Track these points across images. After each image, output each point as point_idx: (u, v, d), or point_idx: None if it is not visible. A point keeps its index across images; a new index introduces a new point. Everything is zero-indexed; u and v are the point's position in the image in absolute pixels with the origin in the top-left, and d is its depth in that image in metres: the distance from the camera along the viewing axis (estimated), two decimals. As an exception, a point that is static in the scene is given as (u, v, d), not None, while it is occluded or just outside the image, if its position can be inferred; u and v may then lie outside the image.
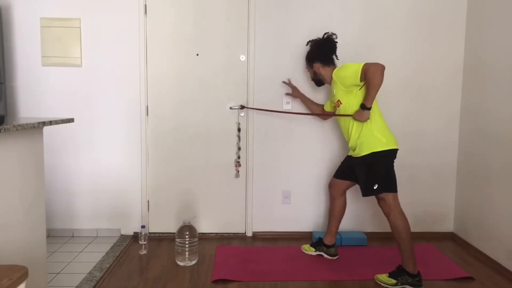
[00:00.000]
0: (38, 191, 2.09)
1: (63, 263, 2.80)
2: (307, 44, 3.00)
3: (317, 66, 2.87)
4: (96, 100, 3.27)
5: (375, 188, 2.56)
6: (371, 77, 2.47)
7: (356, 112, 2.60)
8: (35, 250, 2.06)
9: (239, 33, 3.26)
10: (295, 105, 3.29)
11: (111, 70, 3.25)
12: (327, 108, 3.05)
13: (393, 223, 2.52)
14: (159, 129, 3.31)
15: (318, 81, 2.96)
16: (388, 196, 2.54)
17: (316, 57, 2.88)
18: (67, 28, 3.21)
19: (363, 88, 2.61)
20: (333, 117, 3.18)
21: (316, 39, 2.96)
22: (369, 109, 2.53)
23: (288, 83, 3.25)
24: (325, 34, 2.93)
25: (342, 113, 2.74)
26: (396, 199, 2.55)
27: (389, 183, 2.56)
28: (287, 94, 3.27)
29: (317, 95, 3.26)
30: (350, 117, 2.68)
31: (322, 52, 2.88)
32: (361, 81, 2.56)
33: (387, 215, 2.56)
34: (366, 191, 2.62)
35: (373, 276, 2.59)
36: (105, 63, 3.24)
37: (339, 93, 2.71)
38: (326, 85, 3.02)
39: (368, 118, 2.56)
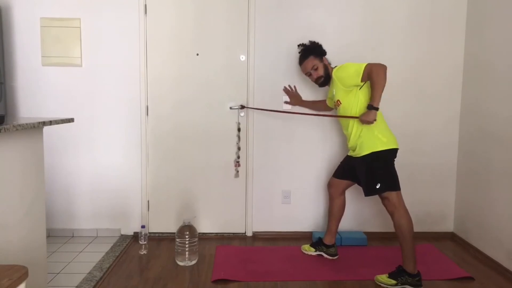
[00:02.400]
0: (38, 191, 2.09)
1: (63, 263, 2.80)
2: (299, 46, 2.97)
3: (325, 59, 2.85)
4: (96, 100, 3.27)
5: (377, 187, 2.55)
6: (375, 77, 2.47)
7: (363, 114, 2.54)
8: (35, 250, 2.06)
9: (239, 33, 3.26)
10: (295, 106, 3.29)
11: (111, 70, 3.25)
12: (329, 103, 3.03)
13: (398, 222, 2.51)
14: (159, 129, 3.31)
15: (327, 77, 2.82)
16: (391, 194, 2.53)
17: (322, 52, 2.86)
18: (67, 28, 3.21)
19: (363, 88, 2.61)
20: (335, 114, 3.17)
21: (310, 42, 2.94)
22: (377, 109, 2.49)
23: (290, 91, 3.22)
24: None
25: (342, 112, 2.73)
26: (400, 197, 2.55)
27: (391, 182, 2.56)
28: (286, 102, 3.26)
29: (314, 96, 3.26)
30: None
31: (322, 49, 2.89)
32: (362, 81, 2.56)
33: (391, 214, 2.55)
34: (369, 191, 2.62)
35: (373, 276, 2.59)
36: (105, 63, 3.24)
37: (339, 93, 2.71)
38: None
39: (375, 120, 2.50)
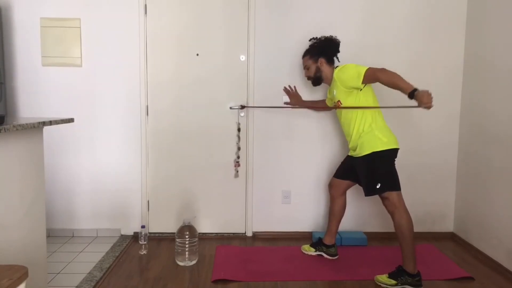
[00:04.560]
0: (38, 191, 2.09)
1: (63, 263, 2.80)
2: (310, 40, 2.95)
3: (322, 61, 2.81)
4: (96, 100, 3.27)
5: (378, 187, 2.55)
6: (386, 78, 2.41)
7: (418, 103, 2.25)
8: (35, 250, 2.06)
9: (239, 33, 3.26)
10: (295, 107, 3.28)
11: (111, 70, 3.25)
12: (329, 103, 3.03)
13: (398, 222, 2.51)
14: (159, 128, 3.31)
15: (318, 79, 2.85)
16: (392, 194, 2.53)
17: (322, 52, 2.83)
18: (67, 28, 3.21)
19: (363, 90, 2.60)
20: (335, 117, 3.17)
21: (322, 36, 2.91)
22: (415, 91, 2.25)
23: (290, 91, 3.21)
24: (330, 36, 2.90)
25: (343, 113, 2.72)
26: (400, 197, 2.55)
27: (392, 182, 2.55)
28: (286, 103, 3.26)
29: (314, 96, 3.26)
30: (350, 117, 2.67)
31: (329, 49, 2.85)
32: (362, 83, 2.55)
33: (391, 214, 2.55)
34: (369, 191, 2.62)
35: (373, 276, 2.59)
36: (105, 63, 3.24)
37: (340, 93, 2.71)
38: (323, 85, 3.01)
39: (429, 94, 2.22)
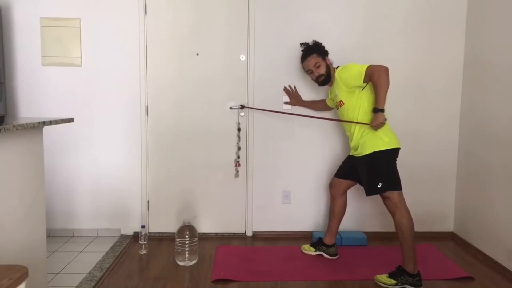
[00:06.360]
0: (38, 191, 2.09)
1: (63, 263, 2.80)
2: (301, 44, 2.94)
3: (328, 59, 2.85)
4: (96, 100, 3.27)
5: (379, 186, 2.55)
6: (377, 79, 2.48)
7: (372, 120, 2.53)
8: (35, 250, 2.06)
9: (239, 33, 3.26)
10: (295, 106, 3.28)
11: (111, 70, 3.25)
12: (329, 103, 3.04)
13: (399, 221, 2.51)
14: (159, 128, 3.31)
15: (329, 76, 2.81)
16: (393, 194, 2.53)
17: (325, 52, 2.87)
18: (67, 28, 3.21)
19: (365, 89, 2.61)
20: (336, 116, 3.18)
21: (312, 40, 2.92)
22: (382, 110, 2.50)
23: (290, 91, 3.22)
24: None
25: (344, 113, 2.73)
26: (401, 197, 2.55)
27: (393, 181, 2.55)
28: (286, 103, 3.26)
29: (315, 96, 3.26)
30: (352, 117, 2.67)
31: (325, 50, 2.89)
32: (364, 82, 2.56)
33: (392, 213, 2.55)
34: (370, 190, 2.62)
35: (373, 276, 2.59)
36: (105, 63, 3.24)
37: (342, 93, 2.71)
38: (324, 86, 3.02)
39: (385, 121, 2.52)
